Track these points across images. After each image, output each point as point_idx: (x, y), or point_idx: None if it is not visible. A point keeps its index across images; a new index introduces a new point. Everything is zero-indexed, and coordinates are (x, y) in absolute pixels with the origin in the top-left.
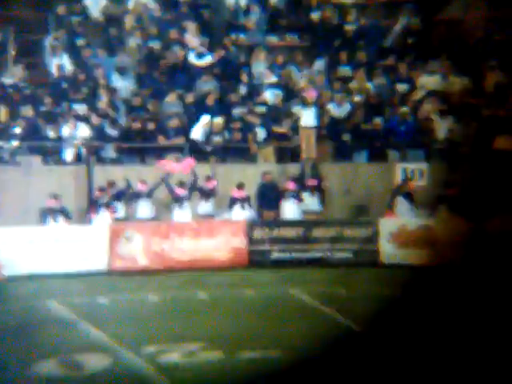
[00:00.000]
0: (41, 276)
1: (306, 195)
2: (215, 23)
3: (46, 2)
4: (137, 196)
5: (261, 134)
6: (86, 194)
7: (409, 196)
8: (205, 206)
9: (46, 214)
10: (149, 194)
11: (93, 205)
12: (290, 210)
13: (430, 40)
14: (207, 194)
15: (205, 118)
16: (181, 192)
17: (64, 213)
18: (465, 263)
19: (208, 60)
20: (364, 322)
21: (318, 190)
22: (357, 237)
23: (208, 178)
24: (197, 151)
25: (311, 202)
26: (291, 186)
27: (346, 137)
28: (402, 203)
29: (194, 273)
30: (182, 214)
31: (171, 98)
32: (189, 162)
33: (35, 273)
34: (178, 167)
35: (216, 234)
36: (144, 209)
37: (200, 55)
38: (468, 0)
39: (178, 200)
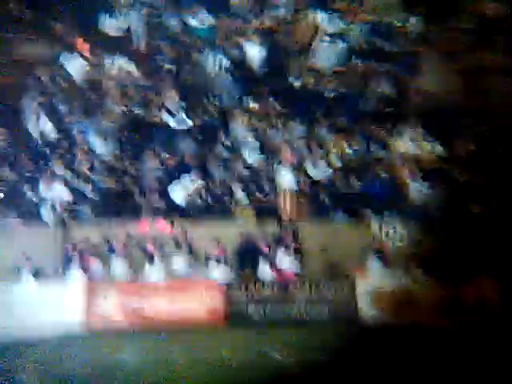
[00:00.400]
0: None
1: (281, 253)
2: (194, 88)
3: (26, 66)
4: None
5: (241, 195)
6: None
7: (381, 255)
8: (177, 263)
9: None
10: (126, 253)
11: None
12: (266, 271)
13: (405, 108)
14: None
15: (188, 183)
16: (151, 250)
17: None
18: (443, 325)
19: (187, 124)
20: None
21: (297, 252)
22: (334, 297)
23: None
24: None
25: (287, 260)
26: (266, 249)
27: (324, 198)
28: (373, 262)
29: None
30: (154, 273)
31: (151, 161)
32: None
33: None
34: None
35: (191, 293)
36: (119, 267)
37: (180, 120)
38: (440, 73)
39: (150, 258)
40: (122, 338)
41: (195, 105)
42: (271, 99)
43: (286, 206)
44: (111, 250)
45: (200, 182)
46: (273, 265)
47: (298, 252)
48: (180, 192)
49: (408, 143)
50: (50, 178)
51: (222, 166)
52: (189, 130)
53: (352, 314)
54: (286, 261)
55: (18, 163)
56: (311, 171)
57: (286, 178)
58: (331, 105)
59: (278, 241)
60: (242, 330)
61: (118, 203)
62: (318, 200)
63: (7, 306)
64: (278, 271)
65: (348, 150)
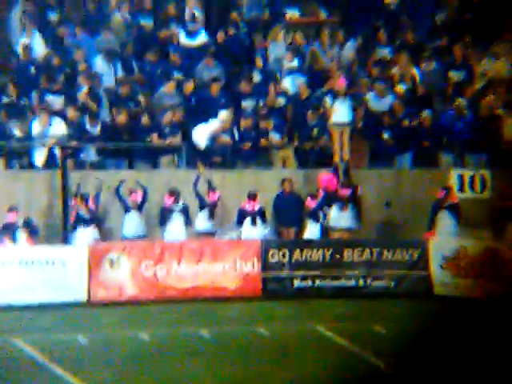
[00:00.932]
0: (3, 308)
1: (336, 208)
2: None
3: None
4: (125, 208)
5: (280, 133)
6: (61, 207)
7: (454, 210)
8: (204, 222)
9: (1, 232)
10: (139, 207)
11: (72, 219)
12: (314, 228)
13: (494, 16)
14: (208, 208)
15: (215, 121)
16: (171, 202)
17: (28, 228)
18: None
19: (202, 39)
20: (398, 363)
21: (352, 202)
22: (399, 261)
23: (209, 188)
24: (198, 154)
25: (342, 216)
26: (312, 203)
27: (387, 135)
28: (445, 219)
29: (194, 304)
30: (173, 231)
31: (166, 88)
32: None
33: None
34: None
35: (222, 257)
36: (132, 224)
37: (194, 34)
38: None
39: (167, 213)
40: (133, 310)
41: (219, 15)
42: (316, 5)
43: (339, 147)
44: (122, 202)
45: (227, 117)
46: (321, 222)
47: (355, 206)
48: (203, 130)
49: (497, 61)
50: (42, 109)
51: (255, 95)
52: (210, 49)
53: (421, 283)
54: (339, 217)
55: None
56: (370, 101)
57: (337, 111)
58: (395, 13)
59: (328, 192)
60: (281, 302)
61: (127, 141)
62: (380, 139)
63: None
64: (327, 230)
65: (417, 74)
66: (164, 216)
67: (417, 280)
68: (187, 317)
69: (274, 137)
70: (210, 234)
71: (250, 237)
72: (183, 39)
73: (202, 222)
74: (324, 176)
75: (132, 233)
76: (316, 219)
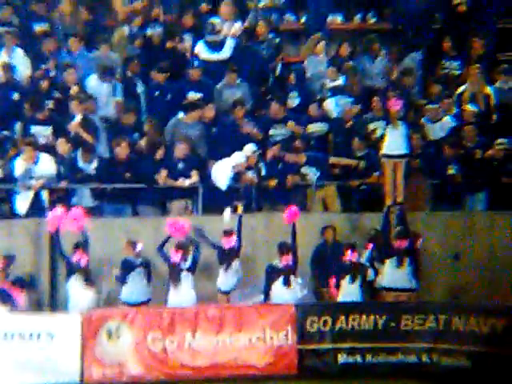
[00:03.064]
0: None
1: (389, 264)
2: None
3: None
4: (127, 266)
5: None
6: (48, 263)
7: None
8: (225, 279)
9: None
10: (144, 264)
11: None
12: (351, 288)
13: None
14: (227, 257)
15: (238, 156)
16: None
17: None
18: None
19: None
20: None
21: (411, 255)
22: (476, 333)
23: (226, 232)
24: (218, 196)
25: (397, 274)
26: (351, 257)
27: (454, 170)
28: None
29: None
30: (181, 295)
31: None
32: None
33: None
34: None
35: (248, 326)
36: (134, 285)
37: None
38: None
39: (176, 272)
40: None
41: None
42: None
43: (392, 185)
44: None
45: (253, 150)
46: (360, 282)
47: (413, 261)
48: (224, 166)
49: None
50: (27, 144)
51: (288, 120)
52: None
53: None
54: (394, 275)
55: None
56: (431, 127)
57: (390, 140)
58: (464, 17)
59: (379, 242)
60: (322, 383)
61: (131, 183)
62: (445, 174)
63: None
64: (376, 291)
65: (490, 91)
66: (172, 276)
67: (503, 360)
68: None
69: (311, 172)
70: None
71: (283, 300)
72: (203, 53)
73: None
74: None
75: (134, 298)
76: (353, 277)
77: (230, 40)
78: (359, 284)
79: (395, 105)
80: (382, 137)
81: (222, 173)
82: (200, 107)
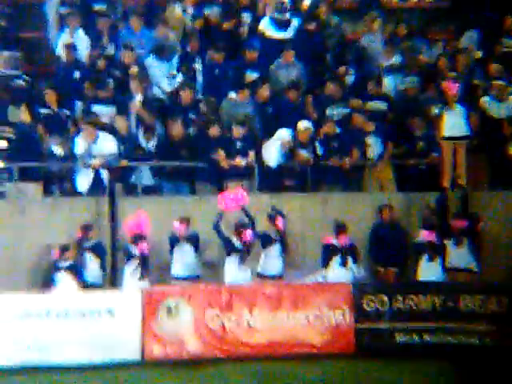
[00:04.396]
0: (38, 369)
1: (449, 245)
2: None
3: None
4: (174, 241)
5: (375, 146)
6: (109, 240)
7: None
8: (272, 262)
9: (55, 268)
10: (192, 240)
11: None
12: (426, 268)
13: None
14: (271, 241)
15: (283, 133)
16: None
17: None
18: None
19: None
20: None
21: (470, 236)
22: None
23: (272, 215)
24: (272, 176)
25: (457, 254)
26: (427, 235)
27: None
28: None
29: (271, 364)
30: (237, 274)
31: (237, 94)
32: (239, 194)
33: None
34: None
35: (305, 305)
36: (183, 261)
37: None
38: None
39: (232, 251)
40: (198, 372)
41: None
42: None
43: (451, 166)
44: (173, 239)
45: (305, 126)
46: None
47: (472, 242)
48: (272, 145)
49: None
50: (88, 123)
51: (345, 99)
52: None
53: None
54: (453, 255)
55: (36, 101)
56: (490, 106)
57: (450, 122)
58: None
59: (437, 223)
60: (380, 362)
61: (189, 161)
62: (504, 153)
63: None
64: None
65: None
66: (227, 251)
67: None
68: (263, 380)
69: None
70: (279, 277)
71: (340, 279)
72: (268, 30)
73: (269, 263)
74: None
75: (182, 273)
76: (435, 256)
77: (295, 19)
78: (439, 263)
79: (452, 88)
80: (439, 117)
81: (270, 151)
82: (251, 86)
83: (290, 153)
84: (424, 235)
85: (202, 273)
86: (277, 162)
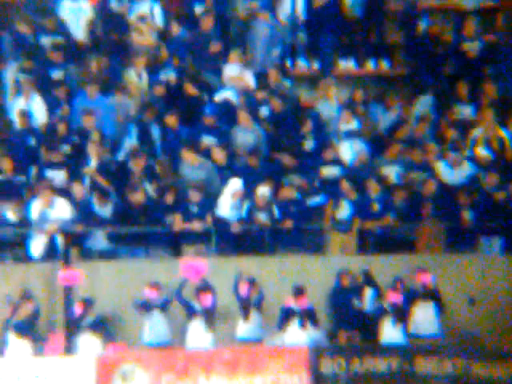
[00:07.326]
0: None
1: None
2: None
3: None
4: (145, 307)
5: (340, 209)
6: (62, 306)
7: None
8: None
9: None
10: (163, 306)
11: (73, 323)
12: (395, 333)
13: None
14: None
15: (234, 183)
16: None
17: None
18: None
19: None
20: None
21: (433, 299)
22: (496, 377)
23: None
24: (229, 237)
25: (421, 317)
26: (395, 298)
27: (468, 215)
28: None
29: None
30: (200, 338)
31: (189, 157)
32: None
33: None
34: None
35: (262, 369)
36: (155, 328)
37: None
38: None
39: (193, 315)
40: None
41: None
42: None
43: None
44: (140, 304)
45: (266, 188)
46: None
47: (437, 304)
48: (228, 202)
49: None
50: (43, 188)
51: (303, 164)
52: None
53: None
54: (421, 316)
55: None
56: (445, 171)
57: None
58: (475, 62)
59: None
60: None
61: (147, 226)
62: (458, 217)
63: None
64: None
65: (506, 136)
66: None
67: None
68: None
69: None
70: (253, 342)
71: (298, 342)
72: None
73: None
74: None
75: (154, 340)
76: (400, 320)
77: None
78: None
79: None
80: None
81: (223, 202)
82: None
83: (248, 216)
84: (391, 297)
85: (173, 338)
86: (229, 212)
